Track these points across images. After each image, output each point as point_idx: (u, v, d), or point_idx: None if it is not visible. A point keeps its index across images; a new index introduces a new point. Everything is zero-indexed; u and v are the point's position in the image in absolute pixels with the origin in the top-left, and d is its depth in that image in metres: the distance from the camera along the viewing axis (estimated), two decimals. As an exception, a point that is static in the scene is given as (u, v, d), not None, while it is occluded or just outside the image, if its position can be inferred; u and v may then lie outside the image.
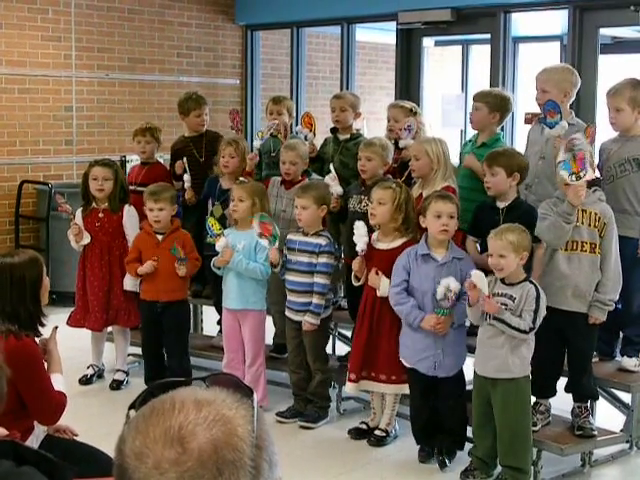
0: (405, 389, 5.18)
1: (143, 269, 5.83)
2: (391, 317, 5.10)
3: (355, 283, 5.27)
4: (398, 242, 5.13)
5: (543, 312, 4.50)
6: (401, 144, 5.81)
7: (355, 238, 5.11)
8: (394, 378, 5.15)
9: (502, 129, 8.24)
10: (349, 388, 5.32)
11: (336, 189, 5.65)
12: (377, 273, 5.07)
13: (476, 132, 5.91)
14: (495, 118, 5.76)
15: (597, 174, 4.46)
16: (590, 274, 4.79)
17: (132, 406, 1.32)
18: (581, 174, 4.45)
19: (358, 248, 5.10)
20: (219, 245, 5.53)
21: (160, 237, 5.87)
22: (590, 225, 4.76)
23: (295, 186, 5.79)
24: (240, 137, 6.44)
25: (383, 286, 5.04)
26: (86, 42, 9.23)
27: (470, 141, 5.96)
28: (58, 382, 3.68)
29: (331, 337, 6.41)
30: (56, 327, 3.81)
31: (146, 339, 6.09)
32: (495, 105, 5.75)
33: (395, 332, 5.10)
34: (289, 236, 5.58)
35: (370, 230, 5.19)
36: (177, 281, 5.86)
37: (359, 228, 5.10)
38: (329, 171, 5.74)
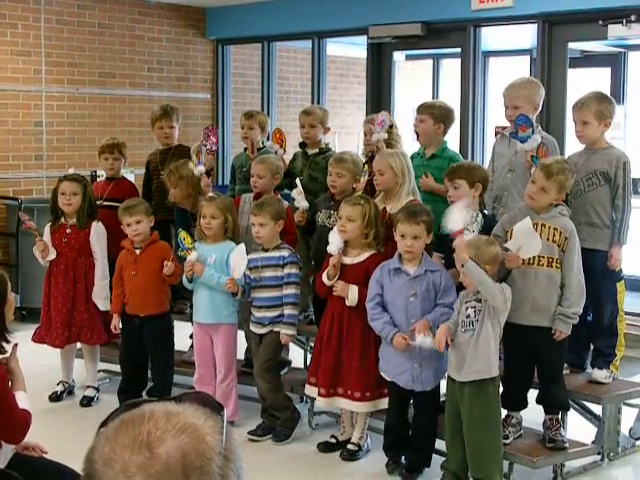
0: (378, 405, 5.15)
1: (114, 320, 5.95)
2: (361, 329, 5.09)
3: (327, 282, 5.12)
4: (365, 255, 5.13)
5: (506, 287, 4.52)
6: (374, 138, 5.80)
7: (330, 247, 5.11)
8: (368, 395, 5.10)
9: (472, 142, 8.32)
10: (322, 403, 5.28)
11: (302, 203, 5.66)
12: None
13: (422, 146, 5.93)
14: (440, 129, 5.82)
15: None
16: (547, 288, 4.78)
17: (103, 424, 1.32)
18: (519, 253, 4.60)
19: (333, 249, 5.08)
20: (190, 259, 5.52)
21: (138, 251, 5.84)
22: (549, 240, 4.75)
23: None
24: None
25: (352, 294, 5.04)
26: (56, 57, 9.19)
27: (418, 154, 5.93)
28: (22, 400, 3.61)
29: (303, 351, 6.44)
30: (16, 344, 3.72)
31: (125, 351, 6.06)
32: (440, 116, 5.82)
33: (366, 347, 5.09)
34: (250, 256, 5.49)
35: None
36: (155, 295, 5.84)
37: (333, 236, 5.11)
38: (296, 185, 5.75)
